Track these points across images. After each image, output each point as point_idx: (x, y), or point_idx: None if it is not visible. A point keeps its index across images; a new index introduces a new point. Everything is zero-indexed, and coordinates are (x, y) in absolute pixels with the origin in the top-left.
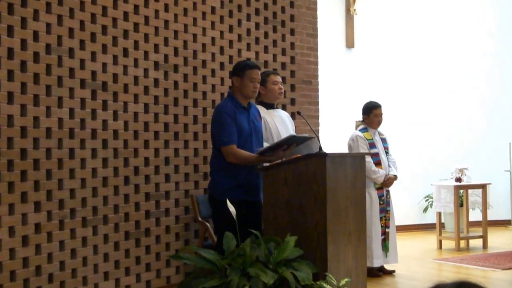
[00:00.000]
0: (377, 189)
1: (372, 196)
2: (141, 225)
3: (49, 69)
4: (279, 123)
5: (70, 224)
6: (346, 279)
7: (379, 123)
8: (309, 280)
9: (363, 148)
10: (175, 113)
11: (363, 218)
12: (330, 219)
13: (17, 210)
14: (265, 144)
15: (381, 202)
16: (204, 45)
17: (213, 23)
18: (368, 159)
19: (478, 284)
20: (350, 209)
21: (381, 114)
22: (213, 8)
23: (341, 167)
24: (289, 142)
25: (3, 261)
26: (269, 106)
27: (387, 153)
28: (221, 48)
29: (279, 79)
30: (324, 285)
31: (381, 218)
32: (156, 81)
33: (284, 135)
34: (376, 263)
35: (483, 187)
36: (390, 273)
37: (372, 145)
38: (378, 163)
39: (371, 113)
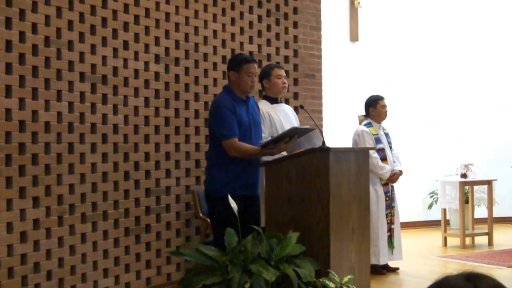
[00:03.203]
0: (383, 185)
1: (378, 193)
2: (141, 221)
3: (48, 62)
4: (283, 118)
5: (69, 220)
6: (349, 276)
7: (386, 114)
8: (311, 277)
9: (369, 144)
10: (176, 107)
11: (367, 214)
12: (333, 215)
13: (15, 205)
14: (268, 139)
15: (387, 199)
16: (205, 38)
17: (215, 16)
18: (375, 154)
19: (486, 275)
20: (353, 205)
21: (386, 106)
22: (215, 0)
23: (344, 162)
24: (291, 134)
25: (1, 257)
26: (273, 100)
27: (390, 148)
28: (223, 41)
29: (283, 72)
30: (327, 282)
31: (386, 214)
32: (156, 74)
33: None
34: (383, 261)
35: (488, 183)
36: (394, 270)
37: (377, 140)
38: (383, 159)
39: (378, 104)
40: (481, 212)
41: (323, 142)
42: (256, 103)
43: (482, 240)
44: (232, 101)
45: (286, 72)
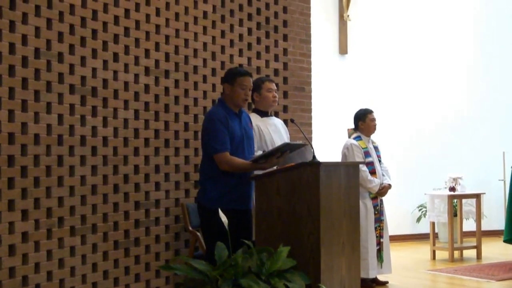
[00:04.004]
0: (372, 198)
1: (367, 206)
2: (130, 234)
3: (38, 74)
4: (273, 131)
5: (58, 233)
6: None
7: (375, 127)
8: None
9: (358, 157)
10: (166, 120)
11: (357, 228)
12: (324, 229)
13: (4, 218)
14: (259, 153)
15: (376, 212)
16: (195, 50)
17: (205, 28)
18: (364, 168)
19: None
20: (344, 219)
21: (375, 119)
22: (205, 13)
23: (335, 176)
24: (283, 149)
25: None
26: (263, 113)
27: (380, 161)
28: (213, 54)
29: (274, 86)
30: None
31: (375, 228)
32: (146, 86)
33: (278, 143)
34: (372, 274)
35: (477, 196)
36: (383, 284)
37: (367, 153)
38: (373, 172)
39: (367, 118)
40: (469, 225)
41: (314, 156)
42: (249, 117)
43: (470, 253)
44: (225, 114)
45: (276, 85)
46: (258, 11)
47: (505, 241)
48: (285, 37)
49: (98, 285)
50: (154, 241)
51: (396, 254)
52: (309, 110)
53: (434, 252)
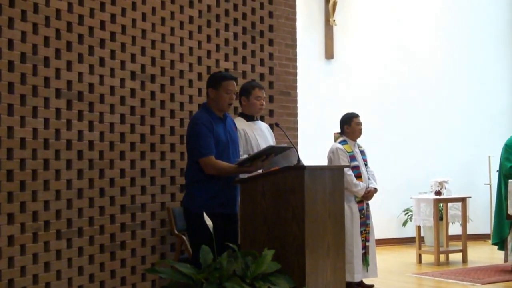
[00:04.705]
0: (358, 202)
1: (353, 210)
2: (116, 238)
3: (24, 78)
4: (259, 136)
5: (44, 236)
6: None
7: (360, 131)
8: None
9: (344, 161)
10: (151, 124)
11: (342, 231)
12: (308, 232)
13: None
14: (245, 157)
15: (362, 216)
16: (181, 55)
17: (191, 33)
18: (349, 172)
19: None
20: (328, 222)
21: (361, 123)
22: (191, 18)
23: (319, 180)
24: (268, 152)
25: None
26: (249, 118)
27: (366, 165)
28: (199, 58)
29: (263, 94)
30: None
31: (361, 232)
32: (132, 91)
33: (264, 147)
34: (357, 278)
35: (462, 200)
36: (369, 287)
37: (352, 157)
38: (358, 176)
39: (353, 122)
40: (455, 229)
41: (298, 160)
42: (233, 121)
43: (456, 257)
44: (209, 119)
45: None
46: (244, 16)
47: (493, 244)
48: (271, 42)
49: None
50: (140, 245)
51: (382, 257)
52: (295, 115)
53: (420, 255)
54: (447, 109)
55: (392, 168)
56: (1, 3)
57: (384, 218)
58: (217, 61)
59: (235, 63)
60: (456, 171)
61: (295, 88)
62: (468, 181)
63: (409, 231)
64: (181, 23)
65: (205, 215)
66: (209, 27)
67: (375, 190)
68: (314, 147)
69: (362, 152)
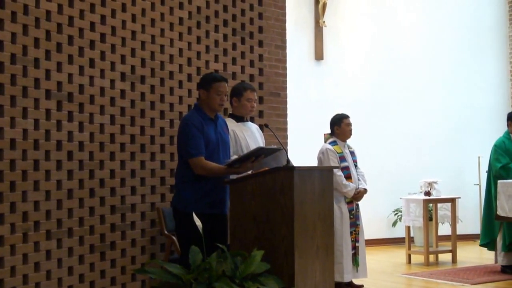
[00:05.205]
0: (347, 203)
1: (342, 211)
2: (106, 238)
3: (14, 79)
4: (248, 137)
5: (34, 237)
6: None
7: (350, 132)
8: None
9: (334, 162)
10: (141, 125)
11: (331, 232)
12: (298, 233)
13: None
14: (235, 158)
15: (351, 216)
16: (171, 56)
17: (180, 34)
18: (339, 172)
19: None
20: (318, 223)
21: (351, 124)
22: (181, 19)
23: (309, 181)
24: (257, 154)
25: None
26: (239, 119)
27: (355, 166)
28: (189, 60)
29: (254, 96)
30: None
31: (351, 232)
32: (122, 92)
33: (253, 148)
34: (347, 278)
35: (452, 201)
36: (359, 287)
37: (342, 158)
38: (348, 177)
39: (342, 123)
40: (444, 229)
41: (288, 161)
42: (225, 122)
43: (445, 257)
44: (200, 119)
45: None
46: (234, 18)
47: (481, 245)
48: (260, 43)
49: None
50: (130, 245)
51: (372, 258)
52: (285, 115)
53: (409, 256)
54: (436, 110)
55: (382, 168)
56: None
57: (374, 219)
58: (207, 62)
59: (225, 64)
60: (446, 171)
61: (285, 89)
62: (457, 181)
63: (399, 232)
64: (171, 24)
65: (194, 215)
66: (199, 29)
67: (365, 190)
68: (304, 148)
69: (352, 153)
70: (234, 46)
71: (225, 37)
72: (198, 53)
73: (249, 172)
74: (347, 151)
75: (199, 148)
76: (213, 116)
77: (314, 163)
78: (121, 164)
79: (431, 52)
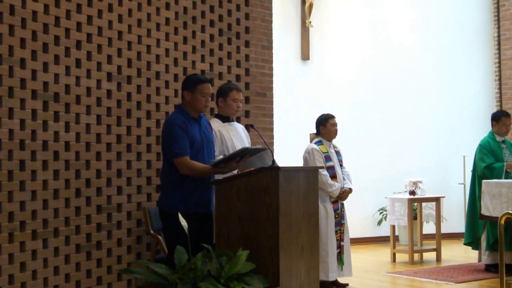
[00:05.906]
0: (333, 202)
1: (328, 210)
2: (92, 238)
3: (0, 80)
4: (234, 137)
5: (20, 237)
6: None
7: (336, 132)
8: None
9: (319, 161)
10: (128, 125)
11: (316, 231)
12: (283, 233)
13: None
14: (220, 158)
15: (336, 216)
16: (158, 56)
17: (167, 34)
18: (324, 172)
19: None
20: (303, 223)
21: (336, 124)
22: (167, 19)
23: (294, 181)
24: (243, 154)
25: None
26: (225, 119)
27: (341, 165)
28: (175, 60)
29: (240, 96)
30: None
31: (336, 231)
32: (109, 92)
33: (239, 148)
34: (332, 277)
35: (436, 200)
36: (344, 286)
37: (327, 158)
38: (333, 176)
39: (328, 123)
40: (429, 228)
41: (273, 161)
42: (208, 122)
43: (430, 256)
44: (184, 120)
45: None
46: (220, 18)
47: (465, 244)
48: (247, 43)
49: None
50: (116, 245)
51: (357, 256)
52: (271, 115)
53: (394, 254)
54: (421, 109)
55: (367, 168)
56: None
57: (359, 218)
58: (193, 62)
59: (211, 65)
60: (431, 170)
61: (271, 89)
62: (442, 180)
63: (384, 230)
64: (158, 24)
65: (180, 215)
66: (186, 29)
67: (350, 190)
68: (290, 147)
69: (338, 153)
70: (220, 47)
71: (211, 37)
72: (185, 53)
73: (235, 172)
74: (332, 150)
75: (184, 148)
76: (197, 116)
77: (300, 162)
78: (107, 164)
79: (416, 51)
